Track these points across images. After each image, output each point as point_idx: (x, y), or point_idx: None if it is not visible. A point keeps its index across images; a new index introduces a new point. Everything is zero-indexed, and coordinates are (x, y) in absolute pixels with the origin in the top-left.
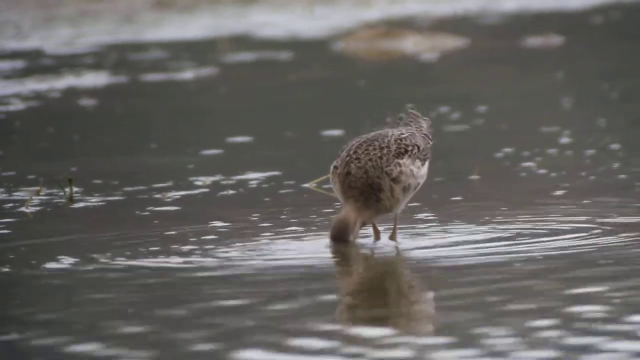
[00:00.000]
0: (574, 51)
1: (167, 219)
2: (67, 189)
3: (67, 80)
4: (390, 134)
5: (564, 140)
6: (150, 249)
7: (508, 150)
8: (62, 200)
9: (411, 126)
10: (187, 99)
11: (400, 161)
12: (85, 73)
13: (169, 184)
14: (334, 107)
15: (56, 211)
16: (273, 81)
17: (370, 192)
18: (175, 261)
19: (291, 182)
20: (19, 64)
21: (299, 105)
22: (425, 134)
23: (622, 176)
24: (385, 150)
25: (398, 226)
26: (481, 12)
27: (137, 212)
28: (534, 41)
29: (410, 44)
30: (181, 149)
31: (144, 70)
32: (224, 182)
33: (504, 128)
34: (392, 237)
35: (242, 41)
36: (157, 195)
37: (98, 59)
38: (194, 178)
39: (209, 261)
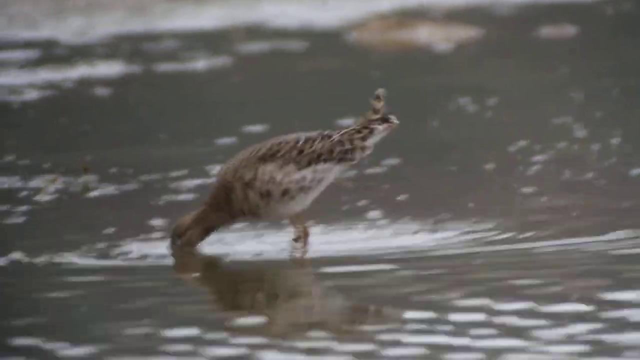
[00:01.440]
0: (587, 42)
1: (182, 208)
2: (83, 178)
3: (80, 70)
4: (283, 137)
5: (574, 133)
6: (165, 238)
7: (519, 142)
8: (77, 189)
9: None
10: (201, 89)
11: (260, 166)
12: (99, 63)
13: (184, 172)
14: (347, 97)
15: (71, 200)
16: (286, 71)
17: (222, 194)
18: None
19: None
20: (32, 53)
21: (312, 95)
22: (346, 140)
23: (632, 172)
24: (252, 154)
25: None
26: (495, 1)
27: (151, 202)
28: (547, 31)
29: (424, 34)
30: (195, 138)
31: (157, 60)
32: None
33: (516, 119)
34: (296, 239)
35: (255, 31)
36: (172, 185)
37: (111, 49)
38: (209, 167)
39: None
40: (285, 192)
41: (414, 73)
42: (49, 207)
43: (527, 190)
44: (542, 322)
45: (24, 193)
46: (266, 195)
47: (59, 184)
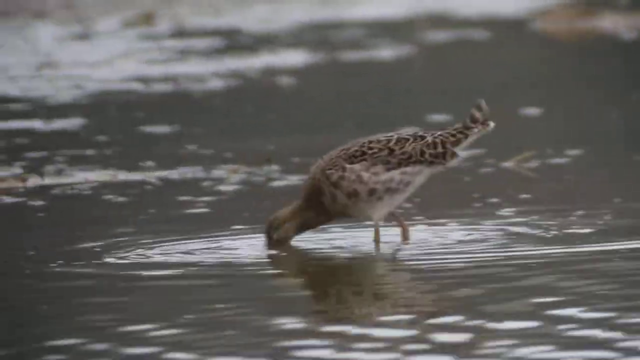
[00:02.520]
0: None
1: None
2: (265, 168)
3: (265, 59)
4: (375, 136)
5: None
6: (347, 230)
7: None
8: (260, 178)
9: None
10: (386, 78)
11: (347, 165)
12: (283, 51)
13: None
14: (531, 86)
15: (255, 190)
16: (470, 60)
17: (313, 194)
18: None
19: (490, 161)
20: (217, 42)
21: (496, 84)
22: (440, 141)
23: None
24: (342, 152)
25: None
26: None
27: None
28: None
29: (608, 22)
30: (379, 127)
31: (341, 48)
32: None
33: None
34: (377, 241)
35: (439, 20)
36: None
37: (296, 37)
38: None
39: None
40: (372, 192)
41: (598, 62)
42: (232, 197)
43: None
44: None
45: (207, 183)
46: (353, 194)
47: (242, 173)
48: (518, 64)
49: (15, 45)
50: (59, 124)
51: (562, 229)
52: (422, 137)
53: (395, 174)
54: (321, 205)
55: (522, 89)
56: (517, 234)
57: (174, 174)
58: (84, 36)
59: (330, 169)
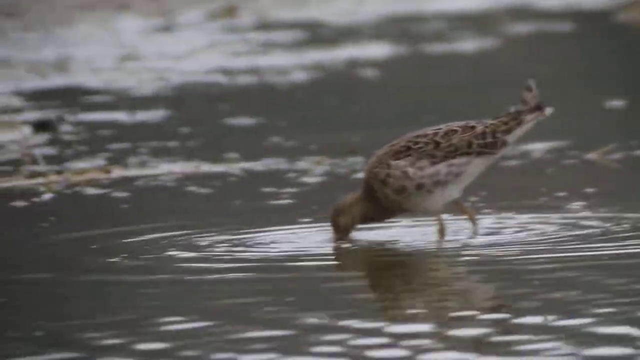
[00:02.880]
0: None
1: None
2: (349, 160)
3: (347, 51)
4: (423, 130)
5: None
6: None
7: None
8: (344, 170)
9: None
10: (468, 70)
11: (392, 162)
12: (366, 44)
13: None
14: (615, 79)
15: (338, 182)
16: (553, 53)
17: (369, 191)
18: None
19: (574, 152)
20: (299, 34)
21: (579, 77)
22: (489, 132)
23: None
24: (390, 148)
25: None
26: None
27: None
28: None
29: None
30: (463, 119)
31: (424, 41)
32: (508, 153)
33: None
34: (440, 234)
35: (522, 12)
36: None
37: (378, 30)
38: None
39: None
40: (420, 187)
41: None
42: (316, 189)
43: None
44: None
45: (291, 174)
46: (402, 190)
47: (326, 165)
48: (602, 56)
49: (98, 37)
50: (142, 115)
51: (636, 223)
52: (472, 128)
53: (442, 166)
54: (378, 201)
55: (606, 81)
56: (589, 227)
57: (257, 165)
58: (167, 28)
59: (377, 167)
